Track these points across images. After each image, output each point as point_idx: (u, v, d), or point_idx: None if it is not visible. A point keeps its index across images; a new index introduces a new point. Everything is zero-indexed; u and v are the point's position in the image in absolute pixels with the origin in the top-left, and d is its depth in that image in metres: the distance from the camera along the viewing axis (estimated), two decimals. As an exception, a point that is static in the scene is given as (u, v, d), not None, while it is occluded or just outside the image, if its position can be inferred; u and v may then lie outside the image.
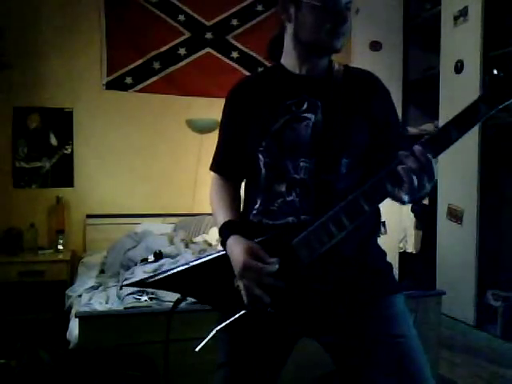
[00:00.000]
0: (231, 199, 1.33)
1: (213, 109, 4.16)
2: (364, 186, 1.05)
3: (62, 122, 3.96)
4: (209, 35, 4.29)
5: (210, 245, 3.45)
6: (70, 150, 3.99)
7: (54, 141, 3.96)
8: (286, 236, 1.14)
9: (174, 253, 2.88)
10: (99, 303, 2.35)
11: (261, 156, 1.23)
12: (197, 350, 1.15)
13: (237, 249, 1.16)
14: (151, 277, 1.27)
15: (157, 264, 2.68)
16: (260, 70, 1.41)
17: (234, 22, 4.33)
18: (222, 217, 1.27)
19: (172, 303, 1.29)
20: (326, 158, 1.18)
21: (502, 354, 2.87)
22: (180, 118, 4.11)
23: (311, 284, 1.16)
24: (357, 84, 1.25)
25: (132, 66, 4.10)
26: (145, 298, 2.22)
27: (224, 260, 1.19)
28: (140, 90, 4.12)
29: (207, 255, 1.27)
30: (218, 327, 1.16)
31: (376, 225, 1.28)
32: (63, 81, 3.94)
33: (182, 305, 2.20)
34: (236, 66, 4.34)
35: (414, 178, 0.97)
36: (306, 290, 1.16)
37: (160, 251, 2.83)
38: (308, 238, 1.10)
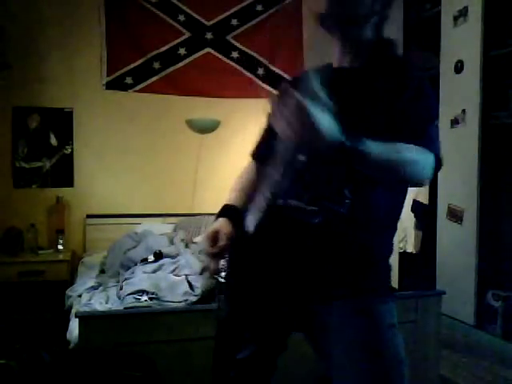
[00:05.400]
0: (252, 181, 1.39)
1: (213, 109, 4.18)
2: None
3: (62, 122, 3.96)
4: (209, 35, 4.29)
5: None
6: (70, 150, 3.99)
7: (54, 141, 3.96)
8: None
9: (174, 253, 2.88)
10: (99, 303, 2.35)
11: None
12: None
13: (213, 224, 1.28)
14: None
15: (157, 264, 2.68)
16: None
17: (234, 22, 4.33)
18: (229, 197, 1.37)
19: (171, 303, 1.29)
20: None
21: (502, 354, 2.87)
22: (180, 118, 4.11)
23: (292, 273, 1.20)
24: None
25: (132, 66, 4.10)
26: (145, 297, 2.22)
27: None
28: (140, 90, 4.13)
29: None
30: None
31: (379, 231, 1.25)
32: (63, 81, 3.94)
33: (182, 305, 2.21)
34: (236, 65, 4.34)
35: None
36: (288, 277, 1.20)
37: (160, 251, 2.83)
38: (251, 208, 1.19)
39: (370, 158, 1.02)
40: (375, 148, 1.03)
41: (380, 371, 1.14)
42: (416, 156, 1.11)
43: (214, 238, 1.24)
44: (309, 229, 1.16)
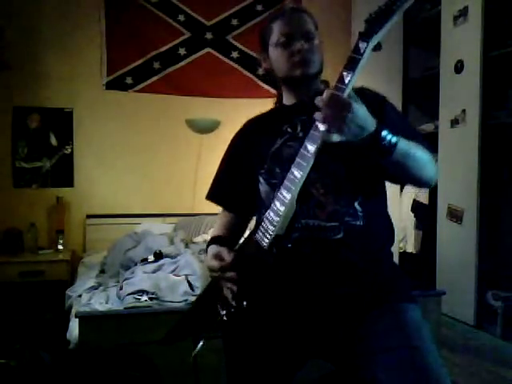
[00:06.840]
0: (225, 223, 1.43)
1: (213, 109, 4.18)
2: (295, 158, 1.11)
3: (62, 122, 3.96)
4: (209, 35, 4.29)
5: (210, 245, 3.45)
6: (69, 150, 3.99)
7: (54, 141, 3.96)
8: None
9: (174, 253, 2.88)
10: (99, 303, 2.35)
11: (262, 179, 1.30)
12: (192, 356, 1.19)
13: (207, 256, 1.26)
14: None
15: (157, 264, 2.68)
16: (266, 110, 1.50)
17: (234, 22, 4.33)
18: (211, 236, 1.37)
19: (171, 303, 1.29)
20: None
21: (502, 354, 2.87)
22: (180, 118, 4.11)
23: (319, 294, 1.19)
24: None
25: (132, 66, 4.10)
26: (145, 298, 2.22)
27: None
28: (140, 90, 4.13)
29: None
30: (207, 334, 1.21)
31: (388, 239, 1.32)
32: (63, 81, 3.94)
33: (181, 305, 2.21)
34: (236, 65, 4.34)
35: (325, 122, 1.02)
36: (313, 299, 1.19)
37: (160, 251, 2.83)
38: (263, 225, 1.14)
39: (401, 148, 1.07)
40: (402, 140, 1.09)
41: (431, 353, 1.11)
42: (429, 154, 1.19)
43: (219, 257, 1.20)
44: (333, 245, 1.19)
